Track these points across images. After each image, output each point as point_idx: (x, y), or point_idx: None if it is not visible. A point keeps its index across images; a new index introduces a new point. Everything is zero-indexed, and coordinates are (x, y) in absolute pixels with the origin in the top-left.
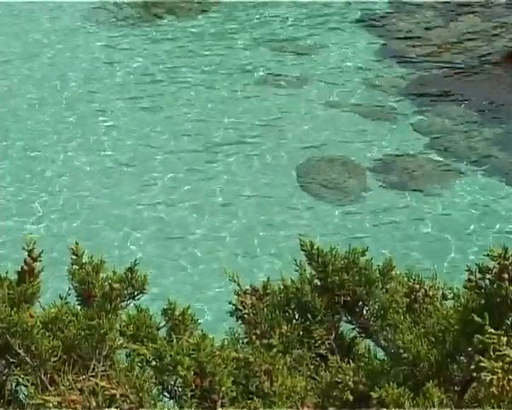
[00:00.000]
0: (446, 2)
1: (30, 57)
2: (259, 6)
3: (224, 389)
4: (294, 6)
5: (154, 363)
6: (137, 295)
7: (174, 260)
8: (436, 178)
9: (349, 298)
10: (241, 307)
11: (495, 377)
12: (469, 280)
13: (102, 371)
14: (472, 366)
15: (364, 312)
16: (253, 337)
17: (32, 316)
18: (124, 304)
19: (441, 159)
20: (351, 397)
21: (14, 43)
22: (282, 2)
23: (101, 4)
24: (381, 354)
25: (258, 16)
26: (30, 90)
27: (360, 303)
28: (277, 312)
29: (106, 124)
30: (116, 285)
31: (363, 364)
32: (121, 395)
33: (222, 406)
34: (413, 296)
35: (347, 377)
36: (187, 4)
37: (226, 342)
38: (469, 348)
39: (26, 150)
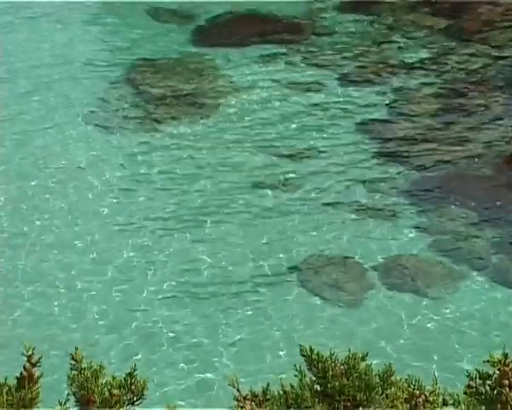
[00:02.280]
0: (445, 107)
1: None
2: (256, 111)
3: None
4: (294, 110)
5: None
6: (137, 400)
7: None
8: (436, 280)
9: (349, 404)
10: None
11: None
12: (469, 386)
13: None
14: None
15: None
16: None
17: None
18: None
19: (442, 260)
20: None
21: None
22: (281, 108)
23: (101, 108)
24: None
25: (256, 120)
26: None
27: (360, 409)
28: None
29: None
30: (115, 391)
31: None
32: None
33: None
34: (413, 402)
35: None
36: (187, 110)
37: None
38: None
39: None
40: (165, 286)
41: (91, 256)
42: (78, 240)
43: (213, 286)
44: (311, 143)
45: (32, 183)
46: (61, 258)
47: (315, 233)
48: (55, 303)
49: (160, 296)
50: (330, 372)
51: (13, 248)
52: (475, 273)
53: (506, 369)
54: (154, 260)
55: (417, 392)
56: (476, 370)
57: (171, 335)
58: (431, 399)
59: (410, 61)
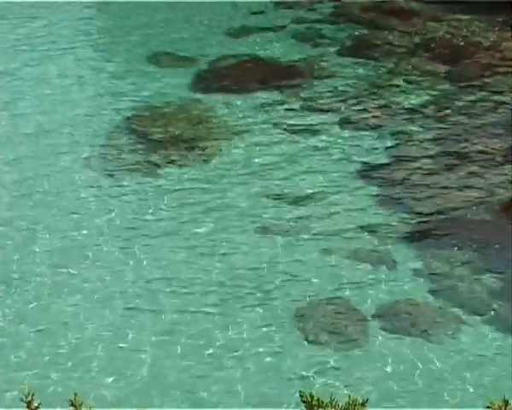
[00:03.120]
0: (446, 152)
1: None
2: (256, 156)
3: None
4: (294, 154)
5: None
6: None
7: None
8: (437, 325)
9: None
10: None
11: None
12: None
13: None
14: None
15: None
16: None
17: None
18: None
19: (441, 304)
20: None
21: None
22: (281, 152)
23: (102, 153)
24: None
25: (256, 164)
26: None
27: None
28: None
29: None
30: None
31: None
32: None
33: None
34: None
35: None
36: (188, 154)
37: None
38: None
39: None
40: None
41: (96, 297)
42: (76, 280)
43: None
44: (311, 186)
45: (30, 225)
46: (63, 303)
47: (312, 277)
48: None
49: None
50: None
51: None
52: (476, 318)
53: None
54: (158, 309)
55: None
56: None
57: None
58: None
59: (411, 105)
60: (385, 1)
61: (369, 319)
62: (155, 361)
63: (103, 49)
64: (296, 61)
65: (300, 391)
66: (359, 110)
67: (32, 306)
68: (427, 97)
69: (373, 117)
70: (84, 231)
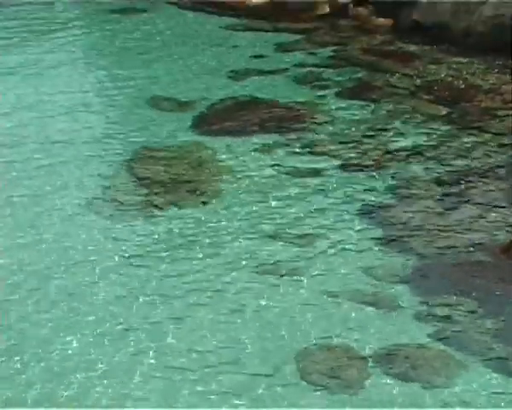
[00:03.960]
0: (446, 193)
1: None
2: (256, 198)
3: None
4: (294, 196)
5: None
6: None
7: None
8: (438, 370)
9: None
10: None
11: None
12: None
13: None
14: None
15: None
16: None
17: None
18: None
19: (442, 349)
20: None
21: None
22: (281, 194)
23: (101, 195)
24: None
25: (256, 206)
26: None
27: None
28: None
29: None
30: None
31: None
32: None
33: None
34: None
35: None
36: (187, 196)
37: None
38: None
39: None
40: None
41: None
42: (76, 315)
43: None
44: (312, 229)
45: (28, 267)
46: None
47: (311, 318)
48: None
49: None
50: None
51: None
52: (477, 363)
53: None
54: (162, 345)
55: None
56: None
57: None
58: None
59: (411, 147)
60: (385, 44)
61: (369, 362)
62: None
63: (103, 92)
64: (296, 104)
65: None
66: (360, 152)
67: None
68: (427, 139)
69: (373, 159)
70: (81, 274)
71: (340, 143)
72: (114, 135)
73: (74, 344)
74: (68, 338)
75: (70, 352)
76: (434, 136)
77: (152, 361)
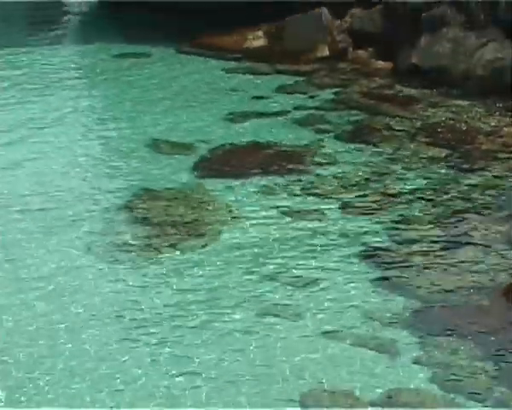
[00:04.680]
0: (445, 235)
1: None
2: (256, 240)
3: None
4: (294, 238)
5: None
6: None
7: None
8: None
9: None
10: None
11: None
12: None
13: None
14: None
15: None
16: None
17: None
18: None
19: (441, 393)
20: None
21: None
22: (281, 236)
23: (101, 237)
24: None
25: (256, 248)
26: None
27: None
28: None
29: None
30: None
31: None
32: None
33: None
34: None
35: None
36: (188, 238)
37: None
38: None
39: None
40: None
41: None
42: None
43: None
44: (312, 270)
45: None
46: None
47: (309, 362)
48: None
49: None
50: None
51: None
52: (477, 407)
53: None
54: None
55: None
56: None
57: None
58: None
59: (410, 189)
60: (384, 87)
61: (368, 407)
62: None
63: (103, 134)
64: (297, 146)
65: None
66: (360, 194)
67: None
68: (427, 182)
69: (373, 201)
70: (81, 315)
71: (341, 185)
72: (114, 177)
73: None
74: None
75: None
76: (434, 178)
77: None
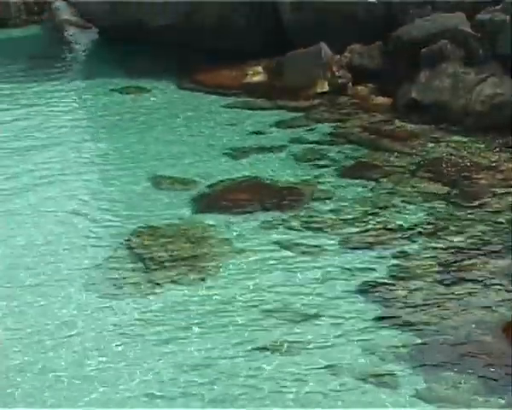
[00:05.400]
0: (445, 271)
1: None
2: (256, 275)
3: None
4: (294, 273)
5: None
6: None
7: None
8: None
9: None
10: None
11: None
12: None
13: None
14: None
15: None
16: None
17: None
18: None
19: None
20: None
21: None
22: (281, 271)
23: (100, 274)
24: None
25: (256, 283)
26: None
27: None
28: None
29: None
30: None
31: None
32: None
33: None
34: None
35: None
36: (187, 273)
37: None
38: None
39: None
40: None
41: None
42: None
43: None
44: (311, 305)
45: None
46: None
47: (310, 397)
48: None
49: None
50: None
51: None
52: None
53: None
54: None
55: None
56: None
57: None
58: None
59: (410, 225)
60: (384, 122)
61: None
62: None
63: (102, 168)
64: (296, 181)
65: None
66: (359, 230)
67: None
68: (426, 217)
69: (372, 236)
70: (82, 352)
71: (340, 220)
72: (113, 212)
73: None
74: None
75: None
76: (434, 213)
77: None
